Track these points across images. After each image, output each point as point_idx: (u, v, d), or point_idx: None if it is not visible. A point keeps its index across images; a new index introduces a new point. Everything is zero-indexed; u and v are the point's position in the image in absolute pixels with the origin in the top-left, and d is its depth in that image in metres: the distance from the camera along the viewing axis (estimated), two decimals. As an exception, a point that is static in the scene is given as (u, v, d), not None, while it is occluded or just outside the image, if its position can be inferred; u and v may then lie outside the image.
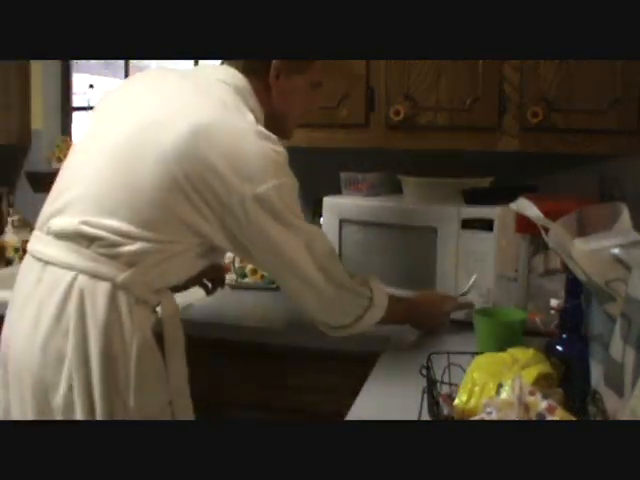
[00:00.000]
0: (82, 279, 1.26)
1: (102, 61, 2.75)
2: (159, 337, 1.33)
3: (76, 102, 2.76)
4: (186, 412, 1.38)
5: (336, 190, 2.01)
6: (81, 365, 1.25)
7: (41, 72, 2.63)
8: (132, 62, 2.70)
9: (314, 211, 2.08)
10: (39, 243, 1.34)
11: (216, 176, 1.25)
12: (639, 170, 2.07)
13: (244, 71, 1.38)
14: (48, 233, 1.32)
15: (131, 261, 1.27)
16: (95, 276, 1.26)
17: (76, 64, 2.76)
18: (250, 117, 1.32)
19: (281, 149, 1.32)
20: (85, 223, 1.27)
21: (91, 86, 2.68)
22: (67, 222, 1.29)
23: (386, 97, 1.91)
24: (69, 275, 1.26)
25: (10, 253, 2.50)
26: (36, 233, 1.36)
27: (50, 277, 1.29)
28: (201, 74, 1.41)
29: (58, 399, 1.25)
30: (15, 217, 2.54)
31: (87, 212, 1.28)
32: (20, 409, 1.30)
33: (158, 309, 1.35)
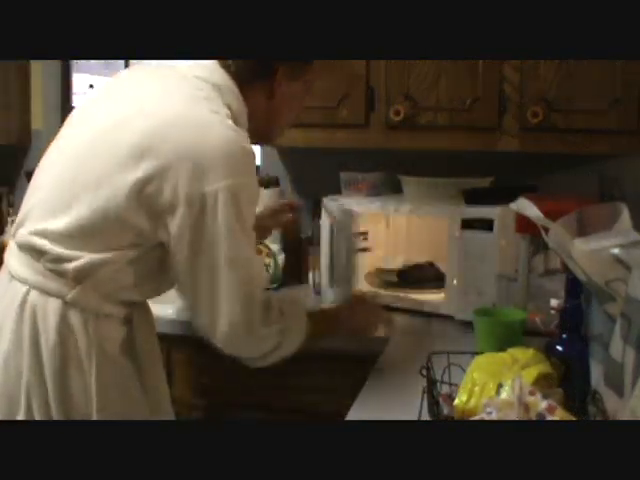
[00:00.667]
0: (34, 295, 1.23)
1: (102, 61, 2.75)
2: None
3: (76, 102, 2.75)
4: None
5: (336, 190, 2.01)
6: (37, 384, 1.22)
7: (41, 72, 2.63)
8: (132, 62, 2.70)
9: (314, 211, 2.08)
10: (9, 254, 1.31)
11: (173, 172, 1.17)
12: (639, 170, 2.07)
13: (236, 73, 1.32)
14: (15, 243, 1.30)
15: (79, 277, 1.22)
16: (45, 292, 1.23)
17: (76, 64, 2.75)
18: (223, 111, 1.26)
19: (250, 147, 1.25)
20: (34, 233, 1.24)
21: (91, 86, 2.68)
22: (23, 232, 1.27)
23: (386, 97, 1.91)
24: (23, 289, 1.24)
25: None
26: (10, 242, 1.34)
27: (11, 290, 1.26)
28: (178, 71, 1.35)
29: (20, 415, 1.23)
30: (15, 217, 2.53)
31: (38, 219, 1.26)
32: None
33: None
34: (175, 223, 1.19)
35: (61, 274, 1.23)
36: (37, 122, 2.64)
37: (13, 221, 2.46)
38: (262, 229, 1.65)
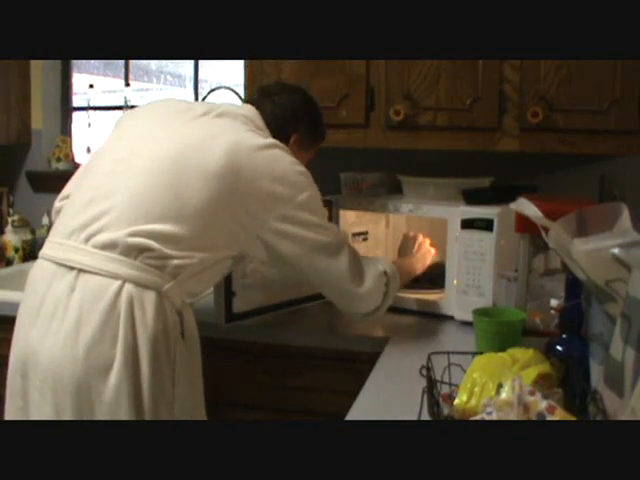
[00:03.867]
0: (129, 287, 1.29)
1: (102, 61, 2.75)
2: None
3: (76, 102, 2.76)
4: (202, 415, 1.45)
5: (336, 190, 2.01)
6: (130, 370, 1.27)
7: (41, 72, 2.63)
8: (132, 62, 2.70)
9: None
10: (70, 252, 1.33)
11: (260, 187, 1.37)
12: (639, 170, 2.07)
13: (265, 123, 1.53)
14: (86, 243, 1.32)
15: (175, 272, 1.33)
16: (142, 285, 1.30)
17: (76, 64, 2.75)
18: (272, 139, 1.45)
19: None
20: (134, 234, 1.31)
21: (91, 86, 2.67)
22: (115, 234, 1.31)
23: (386, 97, 1.91)
24: (115, 284, 1.29)
25: (10, 253, 2.50)
26: (61, 241, 1.36)
27: (90, 285, 1.30)
28: (223, 106, 1.49)
29: (104, 405, 1.26)
30: (15, 217, 2.54)
31: (135, 221, 1.31)
32: (45, 415, 1.30)
33: None
34: (270, 233, 1.41)
35: (160, 267, 1.32)
36: (37, 122, 2.64)
37: (13, 221, 2.49)
38: None
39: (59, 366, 1.28)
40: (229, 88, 2.29)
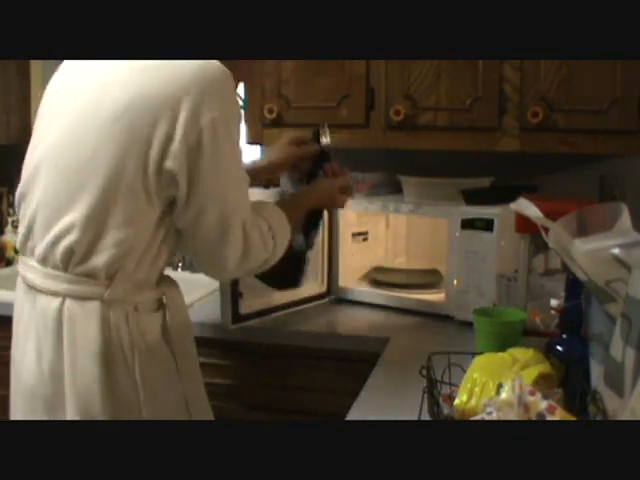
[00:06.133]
0: (69, 303, 1.24)
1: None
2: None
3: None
4: (203, 413, 1.38)
5: (336, 190, 2.00)
6: (83, 392, 1.23)
7: (41, 72, 2.62)
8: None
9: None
10: (27, 270, 1.31)
11: (170, 107, 1.18)
12: (639, 170, 2.07)
13: None
14: (32, 259, 1.29)
15: (110, 271, 1.23)
16: (81, 298, 1.24)
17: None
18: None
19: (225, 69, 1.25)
20: (54, 239, 1.23)
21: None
22: (41, 245, 1.26)
23: (386, 97, 1.91)
24: (56, 301, 1.24)
25: (10, 253, 2.50)
26: (21, 258, 1.34)
27: (41, 306, 1.27)
28: None
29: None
30: (15, 217, 2.54)
31: (50, 222, 1.24)
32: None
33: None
34: (176, 158, 1.19)
35: (93, 275, 1.23)
36: (37, 122, 2.64)
37: (14, 221, 2.49)
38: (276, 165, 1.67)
39: (32, 390, 1.29)
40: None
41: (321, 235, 1.90)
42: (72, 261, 1.23)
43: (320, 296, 1.95)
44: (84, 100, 1.24)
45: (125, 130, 1.18)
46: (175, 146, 1.18)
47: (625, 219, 1.04)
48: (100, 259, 1.22)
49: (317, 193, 1.57)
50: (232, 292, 1.71)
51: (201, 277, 1.48)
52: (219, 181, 1.24)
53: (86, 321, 1.23)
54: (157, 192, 1.21)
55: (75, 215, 1.21)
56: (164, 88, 1.19)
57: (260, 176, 1.68)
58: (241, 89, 2.34)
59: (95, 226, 1.21)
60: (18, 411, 1.34)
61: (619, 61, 1.73)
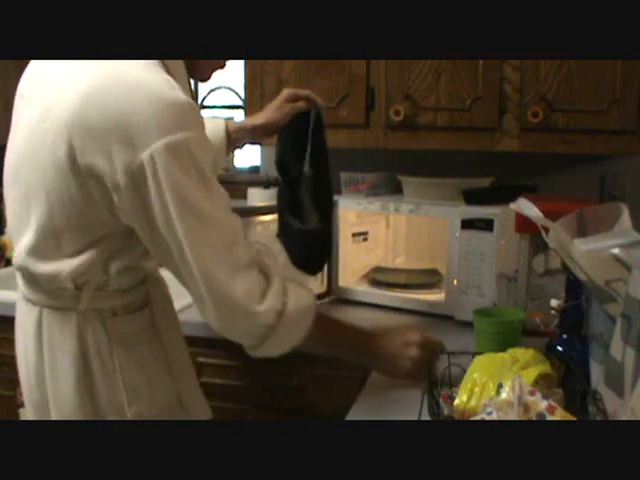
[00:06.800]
0: (46, 313, 1.23)
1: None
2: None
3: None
4: (197, 408, 1.36)
5: (336, 190, 2.01)
6: (62, 395, 1.23)
7: (41, 72, 2.62)
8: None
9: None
10: (17, 274, 1.30)
11: (110, 139, 1.06)
12: (639, 170, 2.07)
13: None
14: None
15: (78, 285, 1.19)
16: (57, 309, 1.23)
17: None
18: (155, 67, 1.15)
19: (191, 101, 1.12)
20: (20, 254, 1.21)
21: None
22: (15, 259, 1.24)
23: (386, 97, 1.91)
24: (36, 310, 1.24)
25: (10, 253, 2.49)
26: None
27: (24, 311, 1.28)
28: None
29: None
30: (15, 217, 2.53)
31: (17, 236, 1.23)
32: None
33: None
34: (123, 198, 1.09)
35: (62, 288, 1.20)
36: (37, 122, 2.63)
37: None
38: (265, 127, 1.59)
39: (25, 389, 1.31)
40: (229, 88, 2.29)
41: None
42: (40, 276, 1.21)
43: (320, 296, 1.95)
44: (34, 114, 1.18)
45: (66, 160, 1.10)
46: (118, 180, 1.07)
47: (625, 219, 1.04)
48: (63, 273, 1.18)
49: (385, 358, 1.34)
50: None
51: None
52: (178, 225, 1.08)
53: (63, 330, 1.22)
54: (108, 221, 1.15)
55: (30, 233, 1.18)
56: (106, 121, 1.07)
57: (258, 137, 1.62)
58: (241, 89, 2.34)
59: (51, 245, 1.17)
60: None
61: (619, 61, 1.73)
